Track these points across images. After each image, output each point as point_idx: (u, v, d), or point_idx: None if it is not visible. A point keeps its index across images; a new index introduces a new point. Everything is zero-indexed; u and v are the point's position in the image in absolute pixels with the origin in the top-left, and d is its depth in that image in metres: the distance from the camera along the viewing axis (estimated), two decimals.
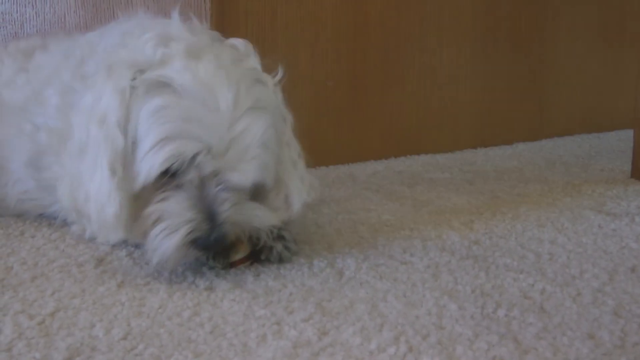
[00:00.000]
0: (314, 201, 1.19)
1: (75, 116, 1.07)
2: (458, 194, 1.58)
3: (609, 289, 0.97)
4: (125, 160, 0.99)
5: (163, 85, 0.99)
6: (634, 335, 0.81)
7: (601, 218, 1.34)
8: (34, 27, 1.96)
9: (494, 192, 1.60)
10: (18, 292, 0.95)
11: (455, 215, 1.38)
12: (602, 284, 0.99)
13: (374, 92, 2.03)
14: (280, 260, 1.07)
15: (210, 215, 0.97)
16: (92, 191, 1.00)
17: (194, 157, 0.97)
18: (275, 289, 0.97)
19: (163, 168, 0.97)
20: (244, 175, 1.00)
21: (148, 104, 0.99)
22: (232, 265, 1.04)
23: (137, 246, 1.14)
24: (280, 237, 1.08)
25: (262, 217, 1.04)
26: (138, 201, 1.00)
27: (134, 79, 1.00)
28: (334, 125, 1.93)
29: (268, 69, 1.11)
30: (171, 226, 0.97)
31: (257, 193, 1.05)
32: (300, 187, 1.13)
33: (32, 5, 1.96)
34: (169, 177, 0.99)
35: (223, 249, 1.02)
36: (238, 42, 1.11)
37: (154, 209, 0.99)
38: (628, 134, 1.88)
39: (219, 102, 0.99)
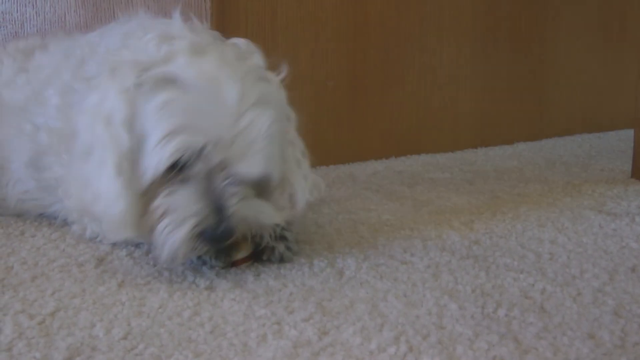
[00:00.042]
0: (317, 200, 1.19)
1: (80, 117, 1.06)
2: (458, 194, 1.58)
3: (609, 288, 0.97)
4: (132, 158, 0.99)
5: (168, 81, 0.99)
6: (634, 335, 0.81)
7: (601, 218, 1.34)
8: (34, 26, 1.96)
9: (494, 192, 1.60)
10: (18, 292, 0.95)
11: (455, 215, 1.38)
12: (602, 283, 0.99)
13: (374, 92, 2.03)
14: (282, 260, 1.07)
15: (217, 208, 0.97)
16: (99, 191, 1.00)
17: (201, 149, 0.97)
18: (276, 288, 0.97)
19: (171, 161, 0.97)
20: (251, 166, 1.00)
21: (154, 99, 0.98)
22: (234, 264, 1.04)
23: (138, 246, 1.14)
24: (282, 238, 1.09)
25: (268, 214, 1.04)
26: (145, 198, 1.00)
27: (138, 77, 1.00)
28: (334, 125, 1.93)
29: (270, 68, 1.11)
30: (178, 219, 0.96)
31: (261, 191, 1.05)
32: (305, 186, 1.13)
33: (33, 5, 1.96)
34: (175, 171, 0.98)
35: (226, 247, 1.02)
36: (240, 41, 1.11)
37: (160, 202, 0.98)
38: (628, 134, 1.89)
39: (224, 96, 0.99)
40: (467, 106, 2.26)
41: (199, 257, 1.04)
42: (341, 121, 1.96)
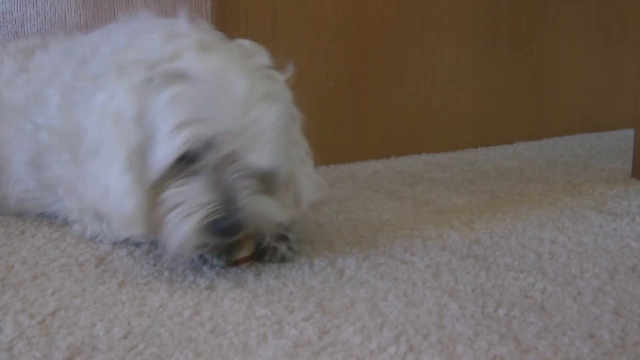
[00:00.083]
0: (320, 200, 1.19)
1: (87, 116, 1.06)
2: (459, 194, 1.58)
3: (610, 288, 0.97)
4: (141, 154, 0.99)
5: (176, 77, 1.00)
6: (635, 335, 0.81)
7: (602, 217, 1.34)
8: (35, 26, 1.97)
9: (494, 192, 1.60)
10: (19, 292, 0.95)
11: (455, 214, 1.38)
12: (602, 283, 0.99)
13: (375, 91, 2.03)
14: (283, 260, 1.07)
15: (228, 200, 0.97)
16: (108, 188, 1.00)
17: (210, 140, 0.97)
18: (276, 288, 0.97)
19: (181, 151, 0.97)
20: (261, 157, 1.00)
21: (163, 93, 0.99)
22: (235, 263, 1.04)
23: (138, 245, 1.14)
24: (283, 238, 1.09)
25: (276, 211, 1.04)
26: (153, 192, 0.99)
27: (146, 74, 1.01)
28: (334, 125, 1.93)
29: (273, 68, 1.11)
30: (188, 210, 0.96)
31: (267, 188, 1.05)
32: (309, 185, 1.13)
33: (33, 5, 1.96)
34: (184, 164, 0.98)
35: (228, 246, 1.02)
36: (245, 41, 1.12)
37: (170, 193, 0.98)
38: (629, 134, 1.88)
39: (232, 89, 0.99)
40: (467, 106, 2.26)
41: (201, 256, 1.04)
42: (341, 121, 1.96)
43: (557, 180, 1.72)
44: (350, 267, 1.05)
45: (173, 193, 0.98)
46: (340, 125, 1.95)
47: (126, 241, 1.15)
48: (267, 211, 1.02)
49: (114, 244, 1.16)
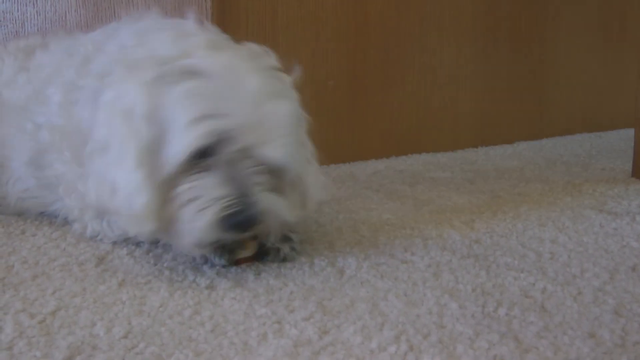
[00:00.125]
0: (326, 201, 1.19)
1: (95, 114, 1.06)
2: (459, 193, 1.58)
3: (610, 288, 0.97)
4: (153, 150, 0.98)
5: (189, 73, 1.00)
6: (635, 334, 0.81)
7: (602, 217, 1.34)
8: (35, 25, 1.97)
9: (494, 192, 1.60)
10: (19, 291, 0.95)
11: (456, 214, 1.38)
12: (603, 283, 0.99)
13: (375, 91, 2.03)
14: (284, 260, 1.07)
15: (242, 193, 0.97)
16: (118, 185, 0.99)
17: (225, 135, 0.97)
18: (276, 287, 0.97)
19: (197, 145, 0.96)
20: (274, 150, 1.00)
21: (176, 89, 0.99)
22: (236, 263, 1.04)
23: (139, 244, 1.14)
24: (287, 239, 1.09)
25: (285, 210, 1.04)
26: (165, 189, 0.99)
27: (158, 71, 1.01)
28: (334, 125, 1.93)
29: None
30: (203, 204, 0.96)
31: (276, 187, 1.05)
32: (316, 185, 1.13)
33: (33, 4, 1.96)
34: (197, 159, 0.98)
35: (232, 245, 1.02)
36: (253, 44, 1.12)
37: (184, 188, 0.97)
38: (629, 133, 1.89)
39: (245, 85, 1.00)
40: (467, 106, 2.26)
41: (202, 255, 1.04)
42: (342, 120, 1.96)
43: (557, 180, 1.72)
44: (350, 267, 1.05)
45: (187, 188, 0.97)
46: (341, 125, 1.95)
47: (126, 240, 1.15)
48: (277, 209, 1.02)
49: (114, 243, 1.16)
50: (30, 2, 1.96)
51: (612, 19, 2.63)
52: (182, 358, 0.76)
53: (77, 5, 1.87)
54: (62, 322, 0.85)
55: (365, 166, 1.93)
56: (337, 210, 1.39)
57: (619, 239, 1.20)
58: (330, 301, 0.92)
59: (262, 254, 1.07)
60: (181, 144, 0.97)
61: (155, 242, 1.13)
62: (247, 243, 1.04)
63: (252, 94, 0.99)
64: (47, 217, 1.31)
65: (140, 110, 0.99)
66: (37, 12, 1.96)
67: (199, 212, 0.96)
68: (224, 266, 1.04)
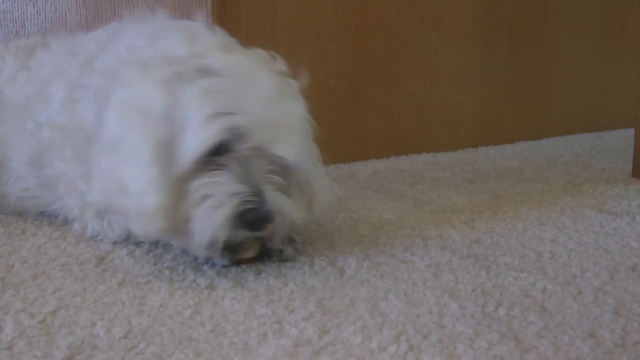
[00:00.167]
0: (332, 204, 1.20)
1: (104, 112, 1.06)
2: (459, 193, 1.58)
3: (610, 287, 0.97)
4: (168, 148, 0.98)
5: (204, 71, 1.01)
6: (635, 334, 0.81)
7: (602, 217, 1.34)
8: (35, 25, 1.97)
9: (494, 191, 1.60)
10: (19, 291, 0.95)
11: (456, 214, 1.38)
12: (603, 282, 0.99)
13: (375, 91, 2.03)
14: (285, 260, 1.07)
15: (256, 191, 0.97)
16: (130, 183, 0.99)
17: (241, 132, 0.97)
18: (276, 287, 0.97)
19: (214, 142, 0.97)
20: (288, 148, 1.01)
21: (192, 87, 0.99)
22: (238, 263, 1.04)
23: (139, 244, 1.14)
24: (291, 240, 1.09)
25: (294, 211, 1.04)
26: (178, 187, 0.98)
27: (174, 69, 1.01)
28: (334, 124, 1.93)
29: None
30: (219, 201, 0.96)
31: (286, 188, 1.05)
32: (323, 188, 1.13)
33: (33, 4, 1.96)
34: (211, 156, 0.98)
35: (235, 245, 1.02)
36: (261, 50, 1.12)
37: (198, 185, 0.97)
38: (629, 133, 1.89)
39: (259, 84, 1.01)
40: (467, 105, 2.26)
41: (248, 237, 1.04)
42: (342, 120, 1.96)
43: (557, 180, 1.72)
44: (350, 267, 1.05)
45: (201, 185, 0.97)
46: (341, 125, 1.95)
47: (127, 240, 1.15)
48: (287, 209, 1.02)
49: (115, 243, 1.16)
50: (30, 1, 1.96)
51: (612, 18, 2.63)
52: (182, 358, 0.76)
53: (77, 5, 1.87)
54: (62, 321, 0.85)
55: (366, 166, 1.93)
56: (337, 210, 1.39)
57: (619, 238, 1.20)
58: (330, 301, 0.92)
59: (265, 255, 1.07)
60: (197, 140, 0.97)
61: (155, 242, 1.13)
62: (251, 244, 1.04)
63: (266, 94, 1.00)
64: (47, 217, 1.31)
65: (156, 108, 0.99)
66: (37, 11, 1.96)
67: (214, 208, 0.96)
68: (224, 266, 1.04)
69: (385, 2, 2.00)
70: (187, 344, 0.79)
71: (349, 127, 1.98)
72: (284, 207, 1.01)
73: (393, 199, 1.52)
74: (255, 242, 1.05)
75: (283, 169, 1.03)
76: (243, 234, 0.99)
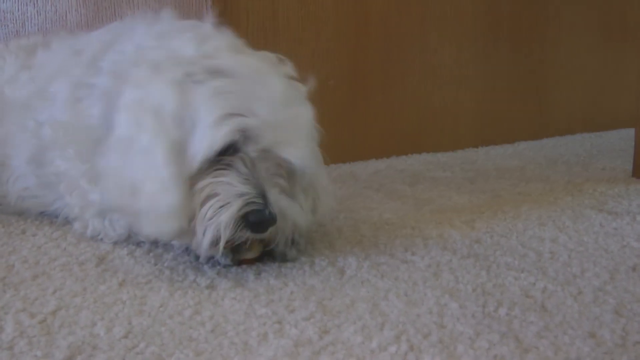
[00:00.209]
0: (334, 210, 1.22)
1: (115, 112, 1.06)
2: (459, 193, 1.58)
3: (610, 287, 0.97)
4: (180, 147, 0.98)
5: (217, 72, 1.01)
6: (635, 334, 0.81)
7: (602, 217, 1.34)
8: (36, 25, 1.97)
9: (495, 191, 1.60)
10: (19, 291, 0.95)
11: (456, 214, 1.38)
12: (603, 282, 0.99)
13: (375, 91, 2.03)
14: (286, 260, 1.07)
15: (262, 193, 0.98)
16: (145, 184, 0.99)
17: (251, 133, 0.98)
18: (277, 287, 0.97)
19: (225, 142, 0.97)
20: (295, 152, 1.01)
21: (205, 88, 0.99)
22: (240, 262, 1.04)
23: (139, 244, 1.14)
24: (294, 243, 1.09)
25: (297, 214, 1.04)
26: (187, 186, 0.99)
27: (185, 70, 1.01)
28: (335, 124, 1.93)
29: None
30: (224, 200, 0.96)
31: (290, 191, 1.05)
32: (327, 193, 1.14)
33: (34, 4, 1.96)
34: (220, 156, 0.98)
35: (237, 245, 1.02)
36: (269, 53, 1.12)
37: (205, 184, 0.98)
38: (629, 133, 1.88)
39: (271, 86, 1.01)
40: (468, 105, 2.26)
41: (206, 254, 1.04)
42: (342, 120, 1.96)
43: (557, 180, 1.72)
44: (351, 267, 1.05)
45: (208, 184, 0.98)
46: (341, 125, 1.95)
47: (127, 240, 1.15)
48: (291, 212, 1.03)
49: (115, 243, 1.16)
50: (30, 1, 1.96)
51: (612, 18, 2.63)
52: (182, 358, 0.76)
53: (77, 5, 1.87)
54: (63, 321, 0.85)
55: (366, 166, 1.93)
56: (338, 210, 1.39)
57: (619, 238, 1.20)
58: (330, 301, 0.92)
59: (268, 256, 1.07)
60: (207, 140, 0.97)
61: (156, 242, 1.13)
62: (254, 244, 1.04)
63: (276, 97, 1.01)
64: (47, 217, 1.31)
65: (169, 109, 0.99)
66: (37, 11, 1.96)
67: (220, 208, 0.96)
68: (226, 266, 1.04)
69: (386, 2, 2.00)
70: (188, 344, 0.79)
71: (349, 127, 1.98)
72: (287, 210, 1.02)
73: (393, 199, 1.52)
74: (258, 243, 1.05)
75: (288, 172, 1.04)
76: (245, 234, 0.99)
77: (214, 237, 0.97)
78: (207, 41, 1.07)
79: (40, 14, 1.96)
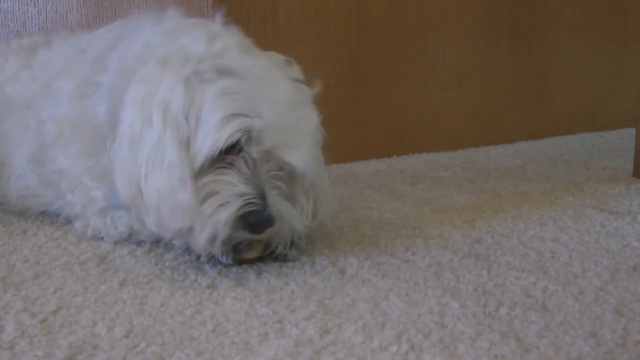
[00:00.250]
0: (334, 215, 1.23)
1: (122, 108, 1.05)
2: (460, 193, 1.58)
3: (611, 287, 0.97)
4: (187, 144, 0.99)
5: (225, 71, 1.01)
6: (636, 334, 0.81)
7: (603, 217, 1.34)
8: (36, 25, 1.97)
9: (496, 191, 1.60)
10: (20, 290, 0.95)
11: (457, 213, 1.38)
12: (604, 282, 0.99)
13: (376, 90, 2.03)
14: (287, 260, 1.07)
15: (261, 194, 0.98)
16: (156, 181, 0.98)
17: (255, 134, 0.98)
18: (277, 287, 0.97)
19: (229, 142, 0.97)
20: (298, 156, 1.02)
21: (213, 86, 1.00)
22: (241, 262, 1.05)
23: (140, 244, 1.14)
24: (295, 245, 1.09)
25: (295, 218, 1.05)
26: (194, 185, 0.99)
27: (194, 67, 1.01)
28: (335, 124, 1.92)
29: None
30: (223, 199, 0.97)
31: (290, 195, 1.06)
32: (328, 196, 1.14)
33: (34, 4, 1.96)
34: (223, 154, 0.98)
35: (238, 245, 1.02)
36: (278, 54, 1.12)
37: (206, 181, 0.98)
38: (630, 133, 1.88)
39: (278, 88, 1.01)
40: (468, 105, 2.26)
41: (207, 253, 1.04)
42: (343, 120, 1.96)
43: (558, 179, 1.72)
44: (351, 266, 1.05)
45: (209, 181, 0.98)
46: (342, 125, 1.95)
47: (128, 239, 1.15)
48: (289, 216, 1.03)
49: (116, 242, 1.16)
50: (31, 1, 1.96)
51: (613, 18, 2.63)
52: (183, 357, 0.76)
53: (78, 5, 1.87)
54: (64, 321, 0.85)
55: (367, 165, 1.93)
56: (339, 210, 1.39)
57: (620, 238, 1.20)
58: (331, 300, 0.92)
59: (269, 256, 1.07)
60: (212, 139, 0.97)
61: (157, 242, 1.14)
62: (255, 244, 1.04)
63: (282, 99, 1.01)
64: (48, 217, 1.31)
65: (177, 105, 0.99)
66: (38, 11, 1.96)
67: (220, 206, 0.97)
68: (226, 265, 1.04)
69: (386, 2, 2.00)
70: (188, 344, 0.79)
71: (350, 127, 1.98)
72: (285, 212, 1.02)
73: (394, 199, 1.52)
74: (259, 243, 1.05)
75: (289, 175, 1.04)
76: (243, 234, 0.99)
77: (211, 235, 0.98)
78: (217, 40, 1.07)
79: (40, 14, 1.96)
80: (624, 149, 2.12)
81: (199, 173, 0.98)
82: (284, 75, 1.05)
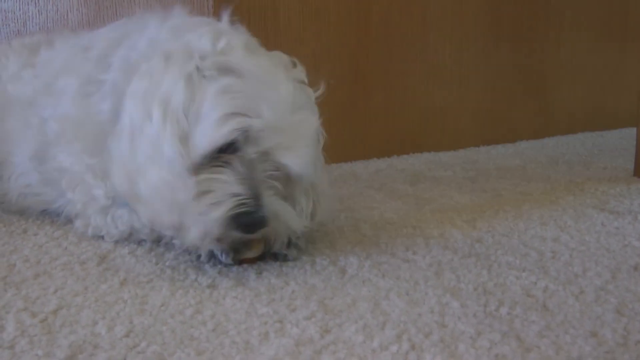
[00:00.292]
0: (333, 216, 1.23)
1: (124, 102, 1.05)
2: (461, 192, 1.58)
3: (612, 287, 0.97)
4: (185, 142, 0.99)
5: (227, 69, 1.01)
6: (637, 333, 0.81)
7: (604, 216, 1.34)
8: (37, 24, 1.97)
9: (496, 190, 1.60)
10: (21, 290, 0.95)
11: (457, 213, 1.38)
12: (604, 282, 0.99)
13: (376, 90, 2.03)
14: (286, 259, 1.07)
15: (255, 195, 0.98)
16: (151, 174, 0.99)
17: (252, 134, 0.98)
18: (278, 286, 0.97)
19: (226, 140, 0.97)
20: (295, 159, 1.01)
21: (214, 84, 1.00)
22: (241, 262, 1.05)
23: (140, 243, 1.14)
24: (295, 245, 1.09)
25: (292, 218, 1.04)
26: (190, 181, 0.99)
27: (196, 64, 1.01)
28: (336, 123, 1.92)
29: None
30: (216, 198, 0.96)
31: (288, 195, 1.06)
32: (327, 197, 1.14)
33: (35, 3, 1.96)
34: (220, 153, 0.98)
35: (239, 244, 1.02)
36: (283, 54, 1.12)
37: (202, 178, 0.97)
38: (631, 132, 1.88)
39: (279, 89, 1.01)
40: (469, 105, 2.26)
41: (208, 253, 1.04)
42: (343, 119, 1.96)
43: (559, 179, 1.72)
44: (352, 266, 1.05)
45: (203, 179, 0.98)
46: (342, 124, 1.95)
47: (128, 239, 1.15)
48: (285, 216, 1.03)
49: (116, 242, 1.16)
50: (32, 1, 1.97)
51: (615, 17, 2.63)
52: (183, 357, 0.76)
53: (78, 4, 1.87)
54: (64, 321, 0.85)
55: (367, 165, 1.93)
56: (339, 209, 1.39)
57: (620, 238, 1.20)
58: (331, 300, 0.92)
59: (269, 255, 1.07)
60: (209, 137, 0.97)
61: (157, 241, 1.14)
62: (254, 244, 1.04)
63: (282, 101, 1.01)
64: (48, 216, 1.31)
65: (178, 100, 0.99)
66: (38, 11, 1.96)
67: (212, 205, 0.96)
68: (226, 265, 1.04)
69: (387, 2, 2.00)
70: (189, 343, 0.79)
71: (350, 126, 1.98)
72: (281, 212, 1.02)
73: (394, 198, 1.52)
74: (259, 242, 1.05)
75: (286, 177, 1.03)
76: (236, 234, 0.99)
77: (202, 233, 0.98)
78: (222, 38, 1.06)
79: (41, 13, 1.96)
80: (624, 148, 2.12)
81: (195, 170, 0.98)
82: (286, 76, 1.05)
